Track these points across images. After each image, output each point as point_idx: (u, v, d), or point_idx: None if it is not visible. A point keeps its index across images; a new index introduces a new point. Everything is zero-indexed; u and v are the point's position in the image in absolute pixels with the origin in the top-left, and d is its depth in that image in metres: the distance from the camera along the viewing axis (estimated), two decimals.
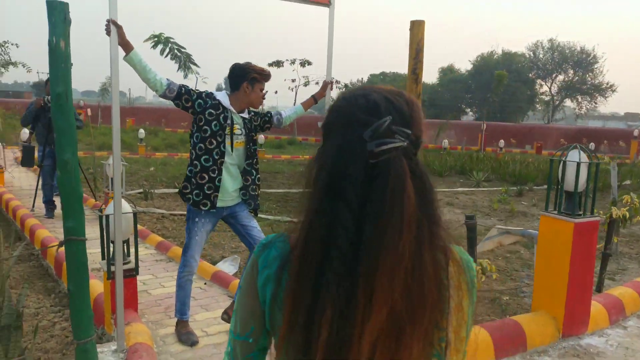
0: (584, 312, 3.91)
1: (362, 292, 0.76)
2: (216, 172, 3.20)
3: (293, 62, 26.34)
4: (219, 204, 3.28)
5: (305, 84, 26.14)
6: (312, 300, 0.79)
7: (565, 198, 3.84)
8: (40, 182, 7.02)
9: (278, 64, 25.98)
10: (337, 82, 28.64)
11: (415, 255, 0.78)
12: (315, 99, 3.75)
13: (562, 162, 3.80)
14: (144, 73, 3.04)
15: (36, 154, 7.50)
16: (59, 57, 2.35)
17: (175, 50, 26.11)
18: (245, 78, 3.24)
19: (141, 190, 8.89)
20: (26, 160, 8.04)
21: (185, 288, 3.40)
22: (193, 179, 3.23)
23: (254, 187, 3.41)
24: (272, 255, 0.89)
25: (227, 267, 5.18)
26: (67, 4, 2.38)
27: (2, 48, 29.14)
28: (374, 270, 0.76)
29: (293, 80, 26.41)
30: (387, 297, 0.76)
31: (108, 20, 2.87)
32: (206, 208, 3.23)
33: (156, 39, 25.44)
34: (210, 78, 28.51)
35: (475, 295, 0.96)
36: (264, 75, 3.30)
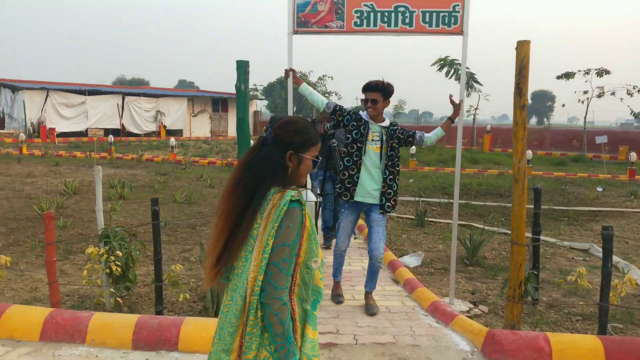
0: None
1: None
2: (355, 170, 4.23)
3: (587, 72, 24.11)
4: (358, 198, 4.28)
5: (599, 95, 23.53)
6: None
7: None
8: (320, 209, 6.57)
9: (568, 75, 24.22)
10: None
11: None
12: (451, 120, 4.36)
13: None
14: (310, 97, 4.33)
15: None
16: (241, 94, 3.84)
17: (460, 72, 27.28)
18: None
19: None
20: None
21: (337, 259, 4.52)
22: (340, 176, 4.34)
23: (390, 191, 4.26)
24: None
25: (411, 260, 6.03)
26: (247, 62, 3.86)
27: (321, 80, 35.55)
28: None
29: (585, 92, 24.14)
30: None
31: (286, 70, 4.27)
32: (346, 199, 4.29)
33: (442, 62, 27.10)
34: (492, 95, 28.42)
35: (274, 222, 1.69)
36: (366, 88, 4.18)
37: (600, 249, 6.23)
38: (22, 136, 19.34)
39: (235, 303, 1.71)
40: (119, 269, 4.08)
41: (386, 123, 4.29)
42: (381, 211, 4.25)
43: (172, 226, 7.48)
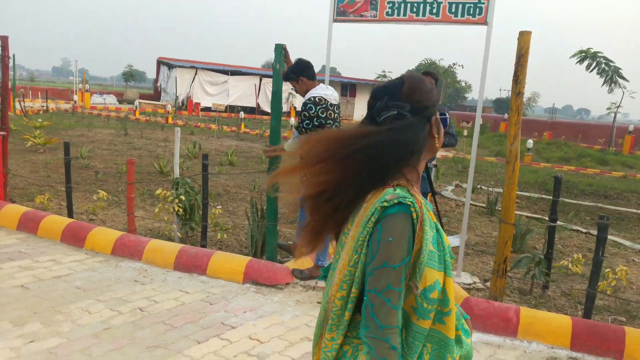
0: None
1: None
2: None
3: None
4: None
5: None
6: None
7: None
8: None
9: None
10: None
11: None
12: None
13: None
14: None
15: None
16: (276, 72, 4.55)
17: (603, 65, 24.89)
18: None
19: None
20: None
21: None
22: None
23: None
24: None
25: (452, 240, 6.30)
26: (283, 44, 4.55)
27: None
28: None
29: None
30: None
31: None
32: None
33: (583, 54, 24.99)
34: (638, 92, 25.51)
35: (368, 228, 1.23)
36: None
37: None
38: (169, 107, 22.29)
39: (320, 312, 1.40)
40: (181, 210, 5.11)
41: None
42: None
43: (261, 190, 8.53)
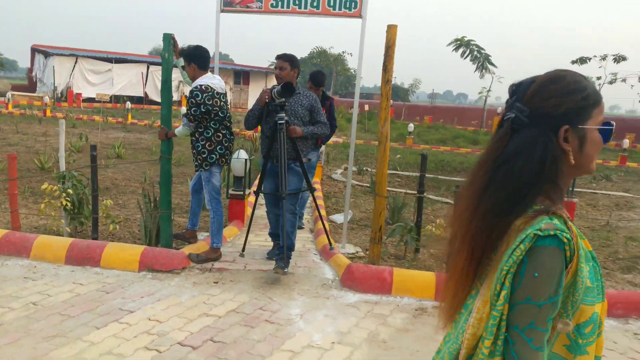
0: None
1: None
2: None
3: (604, 58, 23.92)
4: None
5: (611, 82, 23.37)
6: None
7: None
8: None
9: (582, 60, 24.06)
10: None
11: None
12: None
13: None
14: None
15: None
16: (165, 61, 4.65)
17: (475, 52, 27.36)
18: None
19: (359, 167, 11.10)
20: None
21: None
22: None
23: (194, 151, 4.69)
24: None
25: (339, 217, 6.81)
26: (172, 34, 4.66)
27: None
28: None
29: (598, 78, 23.97)
30: None
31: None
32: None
33: (458, 42, 27.23)
34: (505, 77, 28.38)
35: (513, 263, 1.05)
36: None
37: None
38: (47, 99, 20.75)
39: (441, 357, 1.25)
40: (69, 204, 5.03)
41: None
42: None
43: (152, 182, 8.46)
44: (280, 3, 5.01)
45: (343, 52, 38.05)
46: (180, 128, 4.79)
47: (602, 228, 7.15)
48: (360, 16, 4.98)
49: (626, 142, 15.90)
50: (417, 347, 3.38)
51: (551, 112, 1.12)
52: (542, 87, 1.14)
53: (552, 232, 1.05)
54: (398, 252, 5.36)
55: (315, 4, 4.97)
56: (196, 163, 4.66)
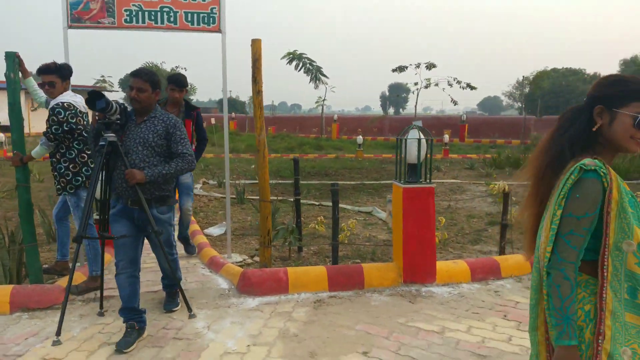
0: (426, 264, 4.62)
1: None
2: None
3: (418, 65, 27.03)
4: None
5: (427, 87, 26.60)
6: None
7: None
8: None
9: (401, 69, 26.93)
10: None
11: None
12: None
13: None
14: (34, 92, 4.59)
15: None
16: (11, 82, 4.21)
17: (308, 65, 28.85)
18: None
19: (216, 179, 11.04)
20: None
21: None
22: None
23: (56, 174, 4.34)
24: None
25: (216, 230, 6.78)
26: (15, 52, 4.25)
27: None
28: None
29: (416, 84, 27.08)
30: None
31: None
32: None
33: (291, 55, 28.41)
34: (337, 87, 30.52)
35: (563, 192, 1.52)
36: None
37: (380, 211, 7.57)
38: None
39: (533, 276, 1.66)
40: None
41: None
42: None
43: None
44: (135, 18, 4.86)
45: (176, 67, 37.00)
46: (37, 148, 4.38)
47: (446, 210, 8.21)
48: (219, 30, 5.06)
49: (446, 137, 18.25)
50: (326, 334, 3.61)
51: (593, 95, 1.61)
52: (597, 82, 1.64)
53: (592, 167, 1.49)
54: (282, 254, 5.55)
55: (172, 19, 4.93)
56: (58, 186, 4.30)
